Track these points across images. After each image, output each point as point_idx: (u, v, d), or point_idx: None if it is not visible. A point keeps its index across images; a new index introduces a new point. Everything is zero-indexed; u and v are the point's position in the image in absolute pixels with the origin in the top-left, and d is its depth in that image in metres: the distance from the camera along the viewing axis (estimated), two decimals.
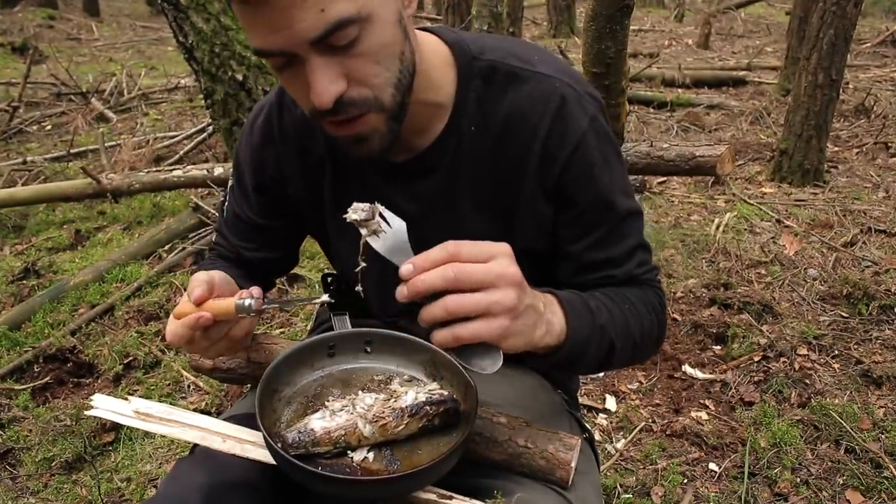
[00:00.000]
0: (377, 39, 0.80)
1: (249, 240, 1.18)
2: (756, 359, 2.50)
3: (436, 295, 0.75)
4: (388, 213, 0.81)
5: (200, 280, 0.93)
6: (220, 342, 0.94)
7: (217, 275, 0.98)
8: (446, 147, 1.00)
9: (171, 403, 1.84)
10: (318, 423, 0.89)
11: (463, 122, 0.99)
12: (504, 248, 0.78)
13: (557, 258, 1.06)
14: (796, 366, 2.44)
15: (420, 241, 1.06)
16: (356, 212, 0.80)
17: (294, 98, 0.89)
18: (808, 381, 2.36)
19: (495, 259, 0.76)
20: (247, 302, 0.89)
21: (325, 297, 0.99)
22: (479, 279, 0.74)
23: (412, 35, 0.88)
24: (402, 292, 0.76)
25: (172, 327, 0.92)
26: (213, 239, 1.29)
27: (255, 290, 0.92)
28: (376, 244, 0.80)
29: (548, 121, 0.96)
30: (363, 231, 0.80)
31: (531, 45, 1.05)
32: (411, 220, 1.05)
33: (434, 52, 0.96)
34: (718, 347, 2.63)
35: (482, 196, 1.02)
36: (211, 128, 4.67)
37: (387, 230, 0.81)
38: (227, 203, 1.21)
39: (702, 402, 2.34)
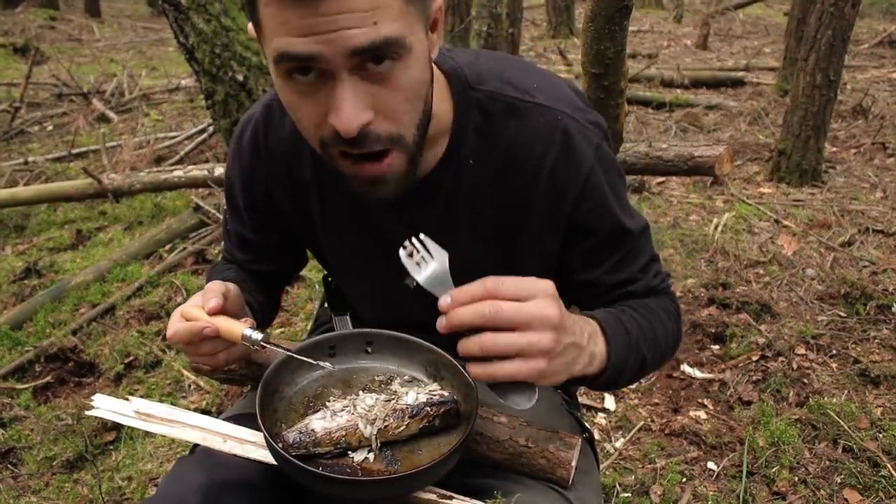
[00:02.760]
0: (411, 74, 0.78)
1: (245, 252, 1.18)
2: (754, 358, 2.51)
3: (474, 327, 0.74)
4: (430, 244, 0.81)
5: (216, 290, 0.93)
6: (215, 355, 0.93)
7: (233, 289, 0.98)
8: (444, 178, 0.98)
9: (171, 403, 1.85)
10: (319, 423, 0.89)
11: (461, 154, 0.96)
12: (546, 286, 0.76)
13: (575, 287, 1.06)
14: (794, 365, 2.45)
15: None
16: (406, 248, 0.81)
17: (304, 124, 0.83)
18: (806, 381, 2.37)
19: (535, 299, 0.74)
20: (254, 335, 0.90)
21: (328, 366, 0.98)
22: (513, 319, 0.73)
23: (432, 76, 0.87)
24: (440, 323, 0.75)
25: (176, 326, 0.91)
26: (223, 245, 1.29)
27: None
28: (417, 275, 0.79)
29: (553, 155, 0.94)
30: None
31: (528, 69, 1.01)
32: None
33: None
34: (717, 347, 2.63)
35: (482, 229, 1.00)
36: (211, 128, 4.68)
37: (429, 261, 0.80)
38: (225, 214, 1.21)
39: (700, 401, 2.35)
